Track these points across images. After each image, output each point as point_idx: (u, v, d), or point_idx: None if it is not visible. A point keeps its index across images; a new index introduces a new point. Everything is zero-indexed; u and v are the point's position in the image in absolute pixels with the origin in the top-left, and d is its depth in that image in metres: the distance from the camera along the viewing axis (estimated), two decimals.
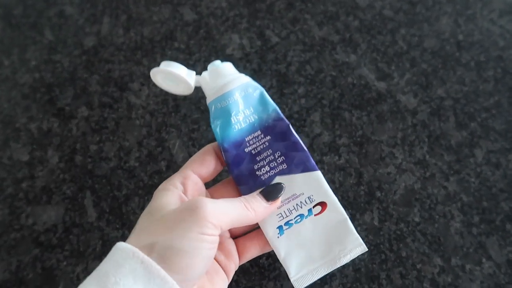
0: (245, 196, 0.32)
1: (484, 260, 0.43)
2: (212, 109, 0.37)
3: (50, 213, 0.47)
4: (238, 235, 0.37)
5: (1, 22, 0.61)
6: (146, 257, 0.25)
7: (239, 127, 0.36)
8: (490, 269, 0.42)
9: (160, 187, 0.32)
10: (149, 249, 0.26)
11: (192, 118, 0.52)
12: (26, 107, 0.54)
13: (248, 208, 0.30)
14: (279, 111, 0.37)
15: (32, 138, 0.52)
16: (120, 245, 0.27)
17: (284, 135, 0.36)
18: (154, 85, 0.55)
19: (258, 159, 0.36)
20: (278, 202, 0.34)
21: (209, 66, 0.38)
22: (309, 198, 0.35)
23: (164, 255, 0.25)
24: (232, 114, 0.36)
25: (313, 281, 0.33)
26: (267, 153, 0.36)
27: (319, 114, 0.52)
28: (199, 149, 0.49)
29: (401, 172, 0.48)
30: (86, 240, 0.45)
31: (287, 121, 0.37)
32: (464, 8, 0.59)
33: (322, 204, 0.35)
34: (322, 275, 0.33)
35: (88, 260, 0.44)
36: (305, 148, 0.36)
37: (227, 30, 0.59)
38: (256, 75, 0.55)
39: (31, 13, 0.62)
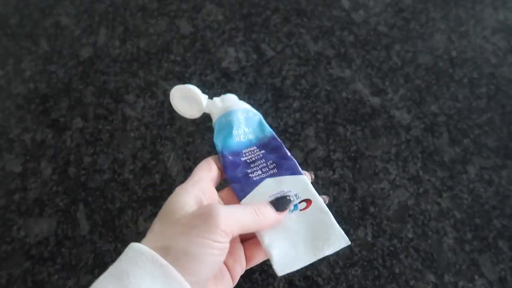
0: (255, 204, 0.32)
1: (476, 277, 0.43)
2: (216, 124, 0.41)
3: (42, 225, 0.47)
4: (247, 239, 0.37)
5: None
6: (165, 261, 0.26)
7: (239, 140, 0.40)
8: (483, 286, 0.42)
9: (176, 190, 0.32)
10: (165, 252, 0.27)
11: (187, 131, 0.52)
12: (20, 117, 0.54)
13: (259, 215, 0.31)
14: (274, 133, 0.41)
15: (25, 149, 0.51)
16: (137, 246, 0.27)
17: (277, 150, 0.40)
18: (150, 97, 0.55)
19: (252, 166, 0.39)
20: (286, 212, 0.34)
21: (220, 97, 0.43)
22: (295, 195, 0.37)
23: (178, 259, 0.26)
24: (234, 128, 0.40)
25: (295, 269, 0.33)
26: (260, 161, 0.39)
27: (313, 129, 0.52)
28: (194, 162, 0.50)
29: (394, 188, 0.48)
30: (78, 254, 0.45)
31: (280, 141, 0.40)
32: (458, 25, 0.59)
33: (308, 201, 0.36)
34: (305, 265, 0.33)
35: (79, 274, 0.43)
36: (293, 158, 0.39)
37: (223, 43, 0.59)
38: (251, 88, 0.55)
39: (27, 23, 0.62)
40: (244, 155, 0.40)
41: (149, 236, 0.29)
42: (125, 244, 0.44)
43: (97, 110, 0.54)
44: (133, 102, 0.55)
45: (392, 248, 0.44)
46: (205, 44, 0.59)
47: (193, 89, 0.40)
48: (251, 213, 0.31)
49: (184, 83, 0.55)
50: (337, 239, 0.34)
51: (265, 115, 0.53)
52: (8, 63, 0.58)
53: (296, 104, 0.54)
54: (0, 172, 0.50)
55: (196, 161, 0.50)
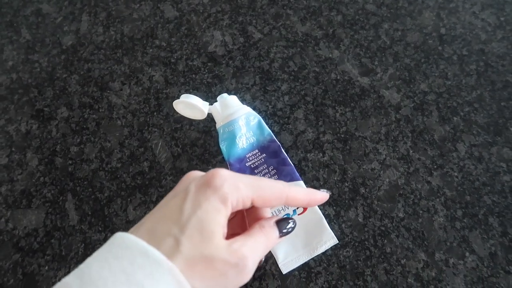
0: (265, 229, 0.31)
1: (467, 254, 0.43)
2: (220, 131, 0.46)
3: (31, 217, 0.46)
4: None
5: None
6: (184, 281, 0.25)
7: (242, 147, 0.46)
8: (473, 262, 0.42)
9: (206, 205, 0.27)
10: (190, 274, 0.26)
11: (174, 118, 0.51)
12: (3, 109, 0.53)
13: (269, 243, 0.31)
14: (272, 134, 0.47)
15: (10, 141, 0.51)
16: (159, 257, 0.25)
17: (276, 153, 0.46)
18: (136, 84, 0.54)
19: (256, 171, 0.45)
20: (283, 238, 0.34)
21: (219, 98, 0.47)
22: None
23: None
24: (237, 137, 0.46)
25: (296, 266, 0.40)
26: (263, 167, 0.45)
27: (302, 111, 0.51)
28: (182, 149, 0.49)
29: (385, 168, 0.48)
30: (68, 244, 0.44)
31: (278, 142, 0.46)
32: (447, 2, 0.59)
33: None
34: (304, 262, 0.41)
35: (70, 265, 0.43)
36: (291, 163, 0.45)
37: (209, 27, 0.58)
38: (239, 72, 0.54)
39: (7, 12, 0.60)
40: (248, 160, 0.46)
41: (176, 247, 0.26)
42: (114, 232, 0.44)
43: (82, 99, 0.53)
44: (119, 90, 0.54)
45: (383, 228, 0.44)
46: (190, 28, 0.58)
47: (192, 101, 0.44)
48: (264, 242, 0.30)
49: (172, 69, 0.54)
50: (328, 240, 0.42)
51: (253, 99, 0.52)
52: None
53: (284, 87, 0.53)
54: None
55: (185, 147, 0.49)
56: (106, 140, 0.50)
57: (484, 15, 0.58)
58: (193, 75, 0.54)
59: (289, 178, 0.44)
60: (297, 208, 0.43)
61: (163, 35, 0.57)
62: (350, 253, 0.43)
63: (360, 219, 0.45)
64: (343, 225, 0.45)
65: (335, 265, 0.43)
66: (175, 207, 0.27)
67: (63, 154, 0.50)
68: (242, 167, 0.45)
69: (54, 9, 0.60)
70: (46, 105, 0.53)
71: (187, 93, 0.45)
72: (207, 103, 0.46)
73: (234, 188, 0.28)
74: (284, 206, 0.42)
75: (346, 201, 0.46)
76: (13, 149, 0.50)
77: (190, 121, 0.51)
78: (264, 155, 0.46)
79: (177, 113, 0.51)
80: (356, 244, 0.44)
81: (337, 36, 0.56)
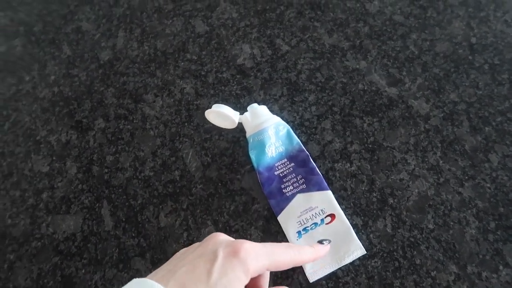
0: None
1: (501, 267, 0.42)
2: (250, 140, 0.48)
3: (69, 222, 0.49)
4: None
5: (22, 39, 0.64)
6: None
7: (271, 155, 0.47)
8: (508, 276, 0.41)
9: (237, 270, 0.32)
10: None
11: (204, 128, 0.53)
12: (46, 120, 0.56)
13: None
14: (301, 143, 0.48)
15: (51, 150, 0.54)
16: None
17: (304, 163, 0.47)
18: (168, 96, 0.56)
19: (285, 180, 0.46)
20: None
21: (249, 108, 0.48)
22: (322, 210, 0.44)
23: None
24: (267, 146, 0.47)
25: (323, 275, 0.42)
26: (291, 176, 0.46)
27: (330, 121, 0.52)
28: (212, 158, 0.51)
29: (414, 178, 0.47)
30: (103, 249, 0.46)
31: (306, 152, 0.48)
32: (477, 11, 0.58)
33: (332, 216, 0.44)
34: (331, 271, 0.42)
35: (105, 268, 0.45)
36: (319, 172, 0.46)
37: (238, 40, 0.60)
38: (267, 84, 0.55)
39: (50, 30, 0.64)
40: (277, 169, 0.47)
41: None
42: (147, 238, 0.46)
43: (118, 110, 0.56)
44: (152, 102, 0.56)
45: (412, 239, 0.44)
46: (220, 42, 0.60)
47: (224, 111, 0.45)
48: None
49: (202, 82, 0.56)
50: (355, 250, 0.42)
51: (281, 110, 0.53)
52: (33, 69, 0.61)
53: (311, 98, 0.54)
54: (29, 172, 0.52)
55: (214, 157, 0.51)
56: (140, 150, 0.53)
57: None
58: (223, 87, 0.56)
59: (317, 187, 0.46)
60: (325, 217, 0.44)
61: (194, 49, 0.60)
62: (379, 263, 0.43)
63: (388, 230, 0.45)
64: (371, 235, 0.44)
65: (363, 276, 0.42)
66: (204, 270, 0.31)
67: (100, 163, 0.52)
68: (271, 175, 0.47)
69: (93, 27, 0.64)
70: (84, 116, 0.56)
71: (218, 103, 0.47)
72: (238, 113, 0.47)
73: (255, 260, 0.32)
74: (312, 216, 0.44)
75: (374, 211, 0.46)
76: (54, 158, 0.53)
77: (220, 132, 0.52)
78: (292, 164, 0.47)
79: (207, 123, 0.53)
80: (385, 255, 0.43)
81: (364, 47, 0.57)
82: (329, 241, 0.43)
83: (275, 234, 0.45)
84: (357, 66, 0.55)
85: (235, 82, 0.56)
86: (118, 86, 0.58)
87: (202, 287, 0.30)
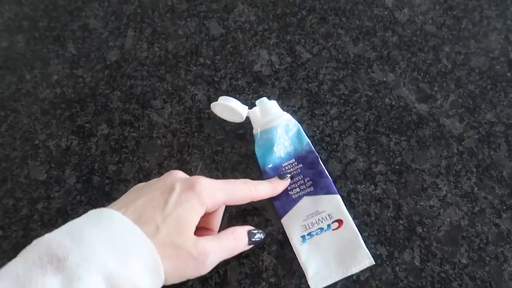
0: (236, 233, 0.38)
1: None
2: (257, 137, 0.46)
3: None
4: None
5: (26, 34, 0.60)
6: (158, 257, 0.31)
7: (279, 155, 0.45)
8: None
9: (192, 201, 0.34)
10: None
11: (216, 139, 0.49)
12: (46, 123, 0.52)
13: (236, 247, 0.38)
14: (311, 144, 0.46)
15: (50, 156, 0.50)
16: (142, 235, 0.31)
17: (313, 165, 0.45)
18: (177, 102, 0.52)
19: (292, 182, 0.44)
20: (251, 247, 0.40)
21: (258, 102, 0.46)
22: (329, 215, 0.42)
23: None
24: (275, 145, 0.45)
25: (326, 284, 0.39)
26: (298, 178, 0.44)
27: (353, 138, 0.48)
28: (222, 173, 0.47)
29: (445, 206, 0.43)
30: None
31: (316, 153, 0.45)
32: None
33: (339, 222, 0.42)
34: (335, 281, 0.39)
35: None
36: (328, 176, 0.44)
37: (255, 46, 0.56)
38: (285, 93, 0.51)
39: (55, 26, 0.61)
40: (284, 169, 0.45)
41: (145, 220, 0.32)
42: None
43: (123, 116, 0.52)
44: (160, 108, 0.52)
45: (443, 275, 0.39)
46: (236, 46, 0.56)
47: (231, 104, 0.43)
48: (231, 245, 0.37)
49: (215, 88, 0.52)
50: (363, 259, 0.40)
51: (300, 123, 0.49)
52: (35, 67, 0.57)
53: (333, 111, 0.50)
54: (24, 180, 0.48)
55: (225, 172, 0.47)
56: (145, 160, 0.49)
57: None
58: (237, 95, 0.52)
59: (325, 191, 0.43)
60: (332, 223, 0.42)
61: (207, 53, 0.56)
62: None
63: (416, 263, 0.40)
64: (397, 268, 0.40)
65: None
66: (161, 199, 0.33)
67: (101, 173, 0.48)
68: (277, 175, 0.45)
69: (101, 24, 0.60)
70: (87, 121, 0.52)
71: (225, 96, 0.44)
72: (246, 107, 0.45)
73: (211, 194, 0.35)
74: (318, 220, 0.42)
75: (401, 241, 0.41)
76: (52, 165, 0.49)
77: (232, 144, 0.48)
78: (300, 165, 0.45)
79: (219, 134, 0.49)
80: None
81: (392, 58, 0.52)
82: (289, 176, 0.44)
83: (290, 261, 0.41)
84: (384, 79, 0.51)
85: (250, 91, 0.52)
86: (125, 90, 0.54)
87: (158, 215, 0.32)
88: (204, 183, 0.35)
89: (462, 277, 0.39)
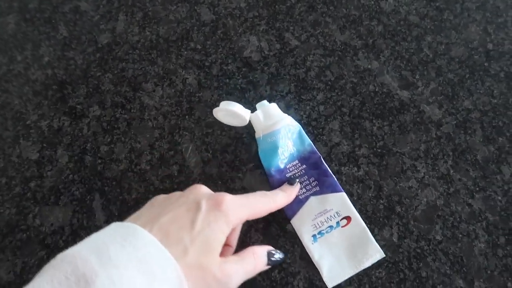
0: (256, 255, 0.37)
1: (509, 284, 0.40)
2: (261, 141, 0.46)
3: (58, 214, 0.46)
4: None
5: (16, 16, 0.60)
6: (184, 280, 0.30)
7: (282, 157, 0.46)
8: None
9: (220, 221, 0.33)
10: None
11: (206, 122, 0.50)
12: (37, 104, 0.53)
13: (256, 268, 0.37)
14: (313, 144, 0.47)
15: (42, 136, 0.51)
16: (169, 257, 0.30)
17: (316, 165, 0.46)
18: (169, 86, 0.53)
19: (297, 181, 0.44)
20: (269, 267, 0.39)
21: (259, 106, 0.46)
22: (337, 213, 0.43)
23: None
24: (279, 148, 0.45)
25: (341, 280, 0.40)
26: (303, 178, 0.45)
27: (338, 122, 0.50)
28: (212, 154, 0.48)
29: (423, 187, 0.45)
30: None
31: (318, 153, 0.46)
32: (495, 16, 0.56)
33: (348, 218, 0.43)
34: (349, 276, 0.40)
35: None
36: (332, 174, 0.45)
37: (245, 32, 0.57)
38: (274, 79, 0.53)
39: (46, 8, 0.61)
40: (288, 171, 0.46)
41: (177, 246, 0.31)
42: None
43: (115, 98, 0.53)
44: (151, 91, 0.53)
45: (419, 250, 0.42)
46: (226, 32, 0.57)
47: (234, 109, 0.43)
48: (252, 267, 0.36)
49: (205, 73, 0.53)
50: (374, 253, 0.41)
51: (288, 107, 0.51)
52: (26, 49, 0.57)
53: (320, 97, 0.51)
54: (17, 159, 0.49)
55: (215, 153, 0.48)
56: (137, 141, 0.50)
57: None
58: (227, 80, 0.53)
59: (331, 189, 0.44)
60: (340, 220, 0.43)
61: (198, 38, 0.57)
62: (383, 274, 0.41)
63: (394, 239, 0.43)
64: None
65: (367, 286, 0.41)
66: (187, 219, 0.32)
67: (93, 153, 0.49)
68: (283, 178, 0.45)
69: (92, 7, 0.60)
70: (79, 102, 0.53)
71: (227, 100, 0.44)
72: (249, 111, 0.45)
73: (236, 212, 0.34)
74: (327, 219, 0.43)
75: (381, 219, 0.44)
76: (44, 145, 0.50)
77: (222, 127, 0.50)
78: (304, 166, 0.46)
79: (209, 117, 0.50)
80: (390, 265, 0.42)
81: (377, 46, 0.54)
82: (298, 180, 0.44)
83: (276, 238, 0.43)
84: (369, 66, 0.53)
85: (240, 75, 0.54)
86: (116, 73, 0.55)
87: (185, 236, 0.31)
88: (229, 201, 0.34)
89: (436, 252, 0.42)
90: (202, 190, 0.37)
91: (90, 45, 0.57)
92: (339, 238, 0.42)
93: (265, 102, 0.47)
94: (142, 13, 0.59)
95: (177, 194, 0.36)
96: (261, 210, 0.38)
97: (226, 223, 0.33)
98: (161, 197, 0.37)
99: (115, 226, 0.31)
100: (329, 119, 0.50)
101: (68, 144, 0.50)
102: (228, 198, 0.34)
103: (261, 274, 0.41)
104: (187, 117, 0.51)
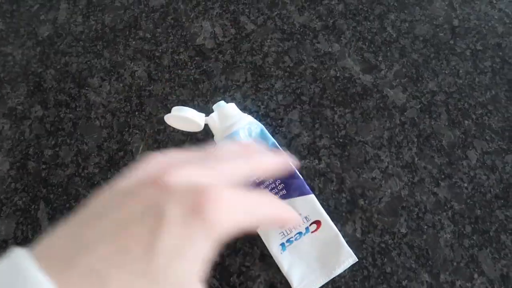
0: None
1: (476, 275, 0.39)
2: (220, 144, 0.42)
3: (0, 227, 0.43)
4: None
5: None
6: None
7: None
8: (483, 285, 0.38)
9: (200, 240, 0.17)
10: None
11: (157, 118, 0.47)
12: None
13: None
14: (277, 144, 0.43)
15: None
16: None
17: None
18: (116, 80, 0.49)
19: (261, 187, 0.41)
20: None
21: (215, 107, 0.43)
22: (306, 218, 0.40)
23: None
24: None
25: None
26: (268, 181, 0.41)
27: (298, 112, 0.47)
28: None
29: (387, 177, 0.43)
30: None
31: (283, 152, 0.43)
32: None
33: (317, 223, 0.40)
34: (321, 284, 0.38)
35: None
36: (300, 175, 0.42)
37: (198, 17, 0.53)
38: (229, 67, 0.49)
39: None
40: None
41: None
42: None
43: (58, 96, 0.49)
44: (98, 86, 0.49)
45: (383, 245, 0.40)
46: (177, 18, 0.53)
47: (186, 115, 0.40)
48: None
49: (156, 64, 0.49)
50: (346, 258, 0.39)
51: (244, 98, 0.47)
52: None
53: (278, 85, 0.48)
54: None
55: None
56: (83, 143, 0.46)
57: (502, 4, 0.52)
58: (179, 71, 0.50)
59: (299, 192, 0.41)
60: (310, 225, 0.40)
61: (147, 26, 0.53)
62: (346, 272, 0.39)
63: (358, 235, 0.41)
64: None
65: (329, 286, 0.39)
66: (142, 242, 0.16)
67: (37, 158, 0.46)
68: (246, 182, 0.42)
69: None
70: (19, 102, 0.49)
71: (178, 106, 0.41)
72: (203, 115, 0.42)
73: (231, 219, 0.18)
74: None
75: (343, 214, 0.42)
76: None
77: None
78: None
79: (161, 112, 0.47)
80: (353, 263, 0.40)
81: (338, 27, 0.51)
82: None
83: (234, 239, 0.41)
84: (330, 50, 0.50)
85: (193, 65, 0.50)
86: (59, 68, 0.51)
87: (138, 280, 0.16)
88: (218, 199, 0.18)
89: (401, 246, 0.40)
90: (170, 174, 0.19)
91: (30, 38, 0.53)
92: (309, 245, 0.39)
93: (221, 102, 0.43)
94: (86, 0, 0.55)
95: (123, 186, 0.19)
96: (266, 216, 0.22)
97: (212, 241, 0.18)
98: (100, 196, 0.19)
99: (1, 267, 0.15)
100: (288, 109, 0.47)
101: (9, 150, 0.46)
102: (216, 194, 0.18)
103: (219, 279, 0.39)
104: (137, 113, 0.48)
